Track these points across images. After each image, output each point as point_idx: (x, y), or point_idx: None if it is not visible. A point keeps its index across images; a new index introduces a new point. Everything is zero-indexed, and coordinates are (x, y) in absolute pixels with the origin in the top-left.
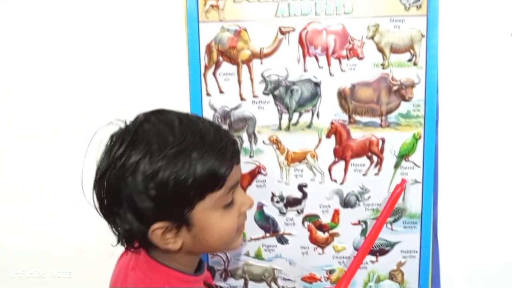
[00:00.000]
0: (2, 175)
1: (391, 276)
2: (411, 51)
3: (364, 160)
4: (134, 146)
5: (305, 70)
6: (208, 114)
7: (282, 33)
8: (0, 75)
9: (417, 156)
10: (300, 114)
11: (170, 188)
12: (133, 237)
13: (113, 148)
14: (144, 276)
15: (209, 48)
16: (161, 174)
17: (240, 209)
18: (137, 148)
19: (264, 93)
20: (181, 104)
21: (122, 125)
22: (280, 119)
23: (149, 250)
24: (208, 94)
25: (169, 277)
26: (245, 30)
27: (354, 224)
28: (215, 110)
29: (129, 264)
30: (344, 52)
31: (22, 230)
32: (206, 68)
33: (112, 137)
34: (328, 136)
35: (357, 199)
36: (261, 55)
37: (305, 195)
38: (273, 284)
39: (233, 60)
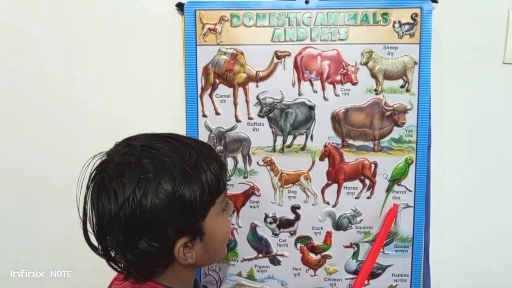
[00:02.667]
0: (3, 176)
1: None
2: (404, 77)
3: (356, 183)
4: (144, 175)
5: (299, 94)
6: (204, 134)
7: (278, 57)
8: None
9: (409, 181)
10: (294, 137)
11: (192, 201)
12: (148, 264)
13: (120, 185)
14: None
15: (206, 71)
16: (183, 191)
17: (229, 212)
18: (146, 178)
19: (259, 115)
20: (178, 125)
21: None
22: (275, 141)
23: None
24: (204, 115)
25: None
26: (242, 53)
27: (346, 246)
28: (210, 131)
29: None
30: (338, 77)
31: (22, 230)
32: (203, 90)
33: (110, 177)
34: (321, 159)
35: (350, 221)
36: (257, 78)
37: (298, 217)
38: None
39: (229, 83)
